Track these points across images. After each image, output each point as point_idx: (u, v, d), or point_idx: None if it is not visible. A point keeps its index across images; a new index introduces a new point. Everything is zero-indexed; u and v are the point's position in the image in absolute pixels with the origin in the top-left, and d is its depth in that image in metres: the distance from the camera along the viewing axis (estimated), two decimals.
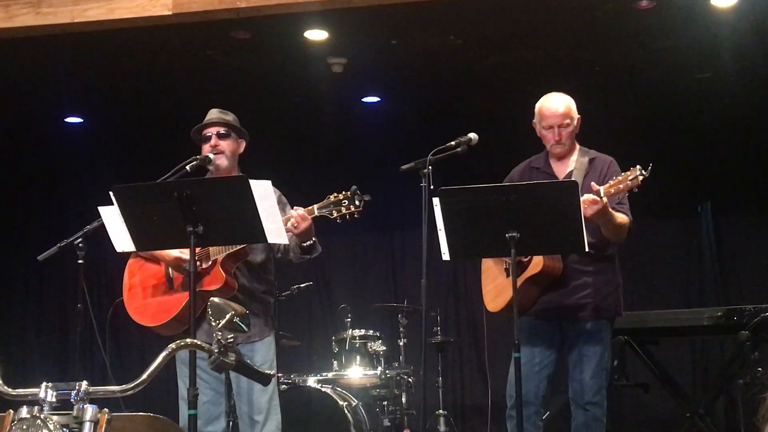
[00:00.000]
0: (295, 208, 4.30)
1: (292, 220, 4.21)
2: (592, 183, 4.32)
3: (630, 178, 4.22)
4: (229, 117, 4.65)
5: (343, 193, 4.25)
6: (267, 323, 4.58)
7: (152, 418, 2.51)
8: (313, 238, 4.37)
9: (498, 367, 5.97)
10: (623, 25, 6.64)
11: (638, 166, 4.20)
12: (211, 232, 3.97)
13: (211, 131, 4.58)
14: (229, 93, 7.38)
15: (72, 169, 9.37)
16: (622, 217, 4.49)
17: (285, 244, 4.45)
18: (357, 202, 4.22)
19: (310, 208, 4.26)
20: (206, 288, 4.23)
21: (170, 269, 4.47)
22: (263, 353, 4.49)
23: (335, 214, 4.23)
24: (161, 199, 3.98)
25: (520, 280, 4.48)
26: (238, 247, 4.31)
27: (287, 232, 4.20)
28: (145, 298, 4.49)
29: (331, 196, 4.27)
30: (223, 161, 4.55)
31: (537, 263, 4.53)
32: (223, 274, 4.28)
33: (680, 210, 8.83)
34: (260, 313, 4.49)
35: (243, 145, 4.67)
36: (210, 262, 4.32)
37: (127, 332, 8.83)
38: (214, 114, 4.65)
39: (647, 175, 4.17)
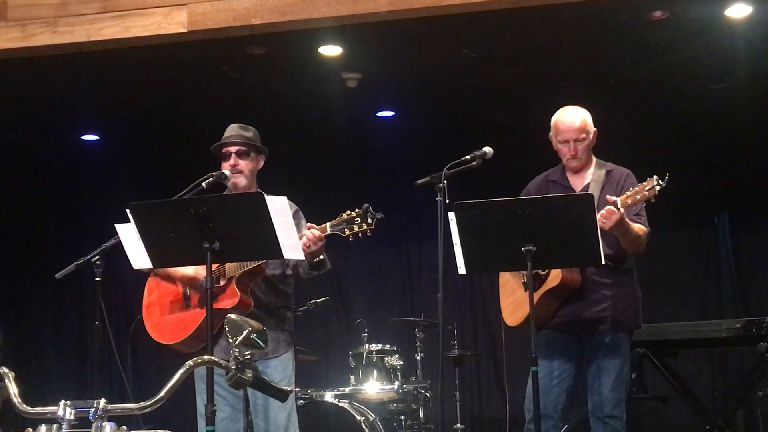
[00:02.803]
0: (309, 226, 4.29)
1: (305, 239, 4.20)
2: (608, 196, 4.32)
3: (647, 188, 4.22)
4: (250, 133, 4.63)
5: (356, 210, 4.23)
6: (285, 339, 4.54)
7: None
8: (323, 255, 4.37)
9: (516, 380, 5.96)
10: (637, 37, 6.63)
11: (655, 177, 4.21)
12: (228, 248, 3.98)
13: (231, 150, 4.56)
14: (244, 108, 7.40)
15: (88, 186, 9.41)
16: (640, 228, 4.48)
17: (295, 261, 4.45)
18: (369, 220, 4.20)
19: (322, 226, 4.25)
20: (222, 306, 4.22)
21: (187, 287, 4.48)
22: (281, 370, 4.46)
23: (347, 233, 4.22)
24: (178, 216, 4.00)
25: (538, 294, 4.48)
26: (254, 264, 4.31)
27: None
28: (163, 315, 4.50)
29: (343, 214, 4.25)
30: (241, 180, 4.54)
31: (555, 276, 4.52)
32: (239, 292, 4.28)
33: (697, 221, 8.79)
34: (277, 329, 4.47)
35: (262, 161, 4.66)
36: (226, 280, 4.33)
37: (145, 349, 8.83)
38: (233, 130, 4.63)
39: (664, 185, 4.17)
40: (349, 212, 4.24)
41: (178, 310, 4.48)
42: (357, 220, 4.21)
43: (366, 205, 4.23)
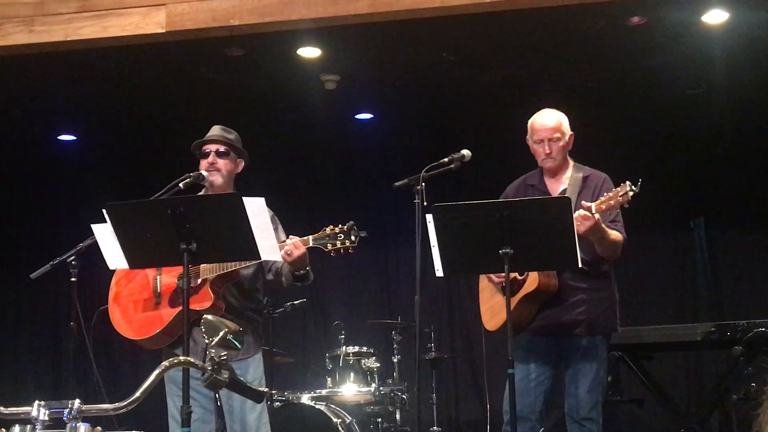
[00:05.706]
0: (290, 237, 4.30)
1: (287, 247, 4.21)
2: (583, 202, 4.33)
3: (620, 194, 4.25)
4: (231, 136, 4.64)
5: (340, 226, 4.25)
6: (255, 341, 4.56)
7: None
8: (307, 267, 4.37)
9: (495, 382, 5.97)
10: (615, 42, 6.67)
11: (628, 182, 4.24)
12: (205, 249, 3.96)
13: (211, 148, 4.57)
14: (223, 110, 7.39)
15: (65, 186, 9.36)
16: (616, 235, 4.49)
17: (278, 268, 4.46)
18: (353, 238, 4.23)
19: (305, 238, 4.26)
20: (194, 307, 4.17)
21: (158, 284, 4.46)
22: (252, 371, 4.46)
23: (330, 248, 4.24)
24: (154, 216, 3.98)
25: (516, 299, 4.50)
26: (230, 268, 4.30)
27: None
28: (132, 311, 4.47)
29: (327, 229, 4.26)
30: (217, 178, 4.54)
31: (533, 281, 4.53)
32: (212, 295, 4.28)
33: (673, 225, 8.86)
34: (248, 331, 4.45)
35: (242, 165, 4.66)
36: (199, 281, 4.31)
37: (120, 350, 8.80)
38: (216, 131, 4.64)
39: (637, 191, 4.20)
40: (332, 227, 4.26)
41: (149, 307, 4.45)
42: (340, 237, 4.23)
43: (351, 222, 4.25)
